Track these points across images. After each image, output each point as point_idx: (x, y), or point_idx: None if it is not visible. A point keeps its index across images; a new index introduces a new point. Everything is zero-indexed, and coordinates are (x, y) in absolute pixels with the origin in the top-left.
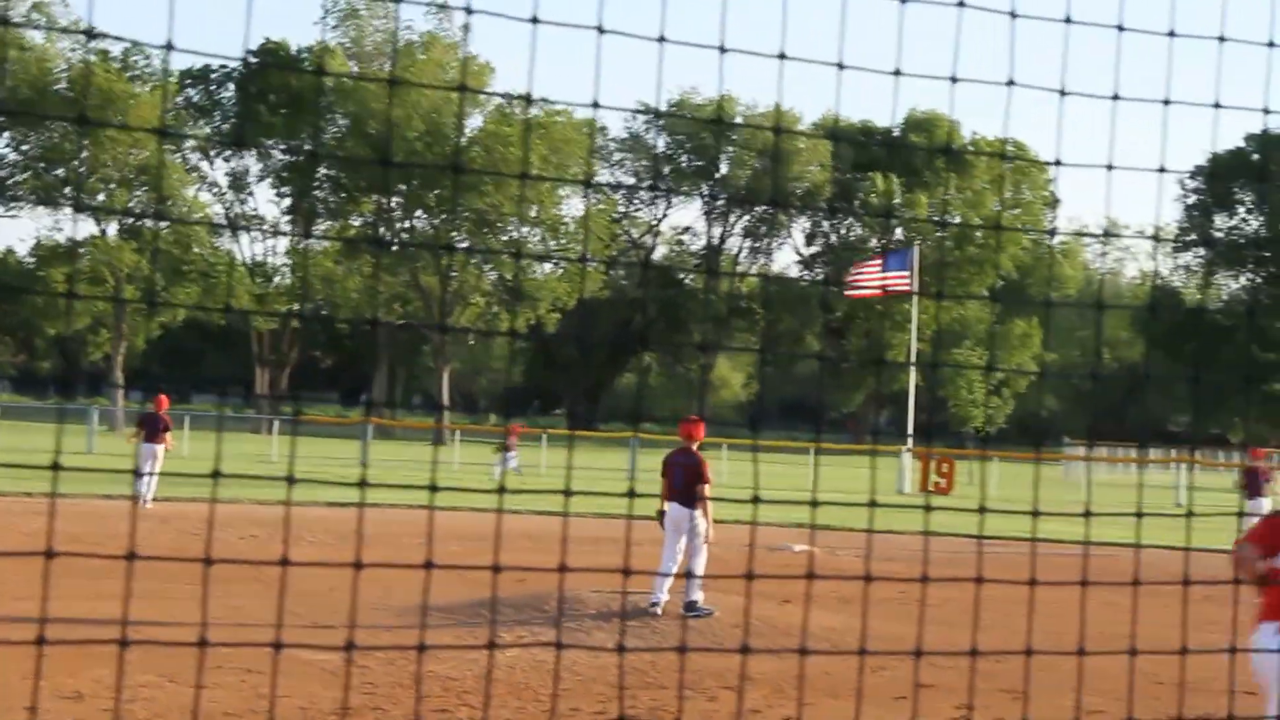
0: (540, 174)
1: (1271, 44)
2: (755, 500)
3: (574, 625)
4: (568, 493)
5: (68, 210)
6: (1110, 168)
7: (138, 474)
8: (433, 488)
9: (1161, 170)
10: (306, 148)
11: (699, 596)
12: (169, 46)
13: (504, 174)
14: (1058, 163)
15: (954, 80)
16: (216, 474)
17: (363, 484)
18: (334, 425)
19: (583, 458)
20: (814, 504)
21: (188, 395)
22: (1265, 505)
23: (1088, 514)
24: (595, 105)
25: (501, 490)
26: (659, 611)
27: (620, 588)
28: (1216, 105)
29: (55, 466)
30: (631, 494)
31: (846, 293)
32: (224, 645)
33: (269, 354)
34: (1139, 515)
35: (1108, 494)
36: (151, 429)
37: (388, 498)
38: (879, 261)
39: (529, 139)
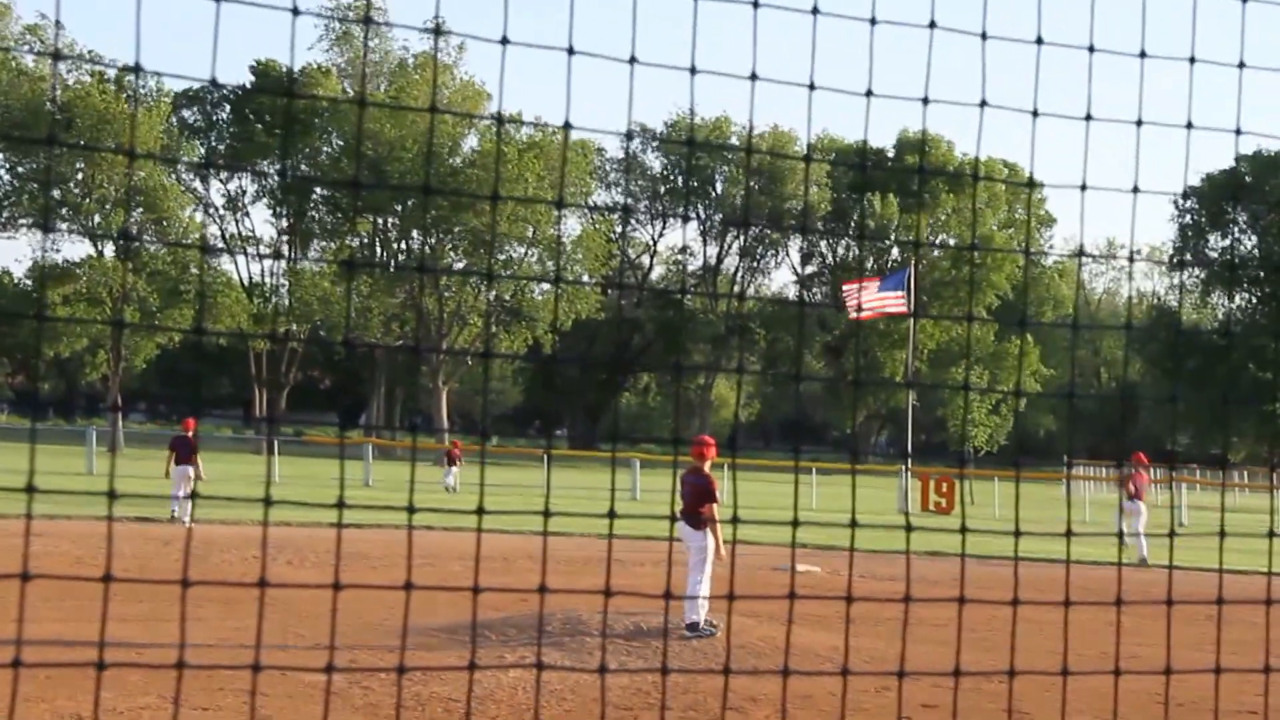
0: (519, 195)
1: (1242, 64)
2: (735, 520)
3: (576, 646)
4: (546, 513)
5: (62, 230)
6: (1084, 188)
7: (174, 497)
8: (410, 509)
9: (1135, 190)
10: (275, 168)
11: (699, 617)
12: (136, 69)
13: (474, 194)
14: (1030, 183)
15: (925, 101)
16: (194, 495)
17: (340, 504)
18: (337, 446)
19: (585, 478)
20: (795, 524)
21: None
22: (1142, 507)
23: (1069, 533)
24: (567, 126)
25: (481, 511)
26: (689, 632)
27: (629, 609)
28: (1189, 125)
29: (30, 489)
30: (612, 514)
31: (845, 310)
32: (201, 667)
33: (267, 375)
34: (1120, 536)
35: (1107, 513)
36: (181, 451)
37: (392, 519)
38: (875, 281)
39: (499, 159)
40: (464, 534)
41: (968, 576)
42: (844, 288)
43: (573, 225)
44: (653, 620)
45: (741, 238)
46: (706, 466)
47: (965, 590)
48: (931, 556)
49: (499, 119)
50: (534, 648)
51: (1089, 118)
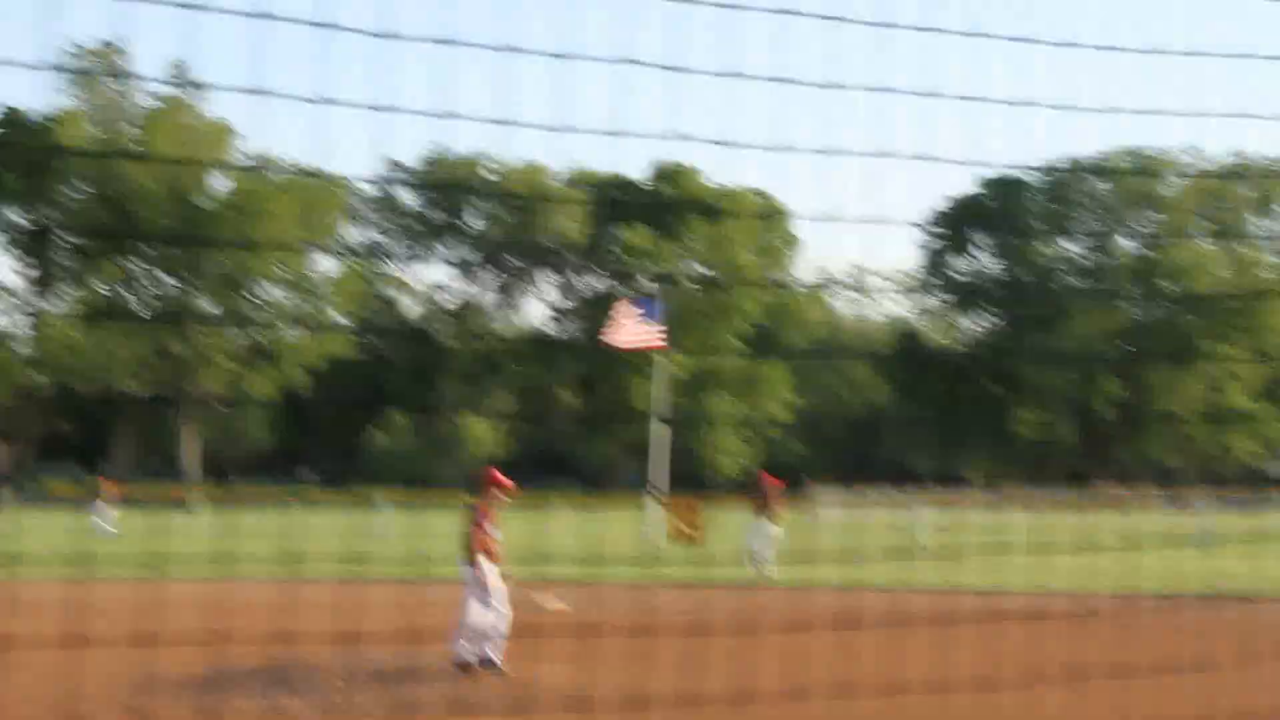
0: (272, 237)
1: (975, 98)
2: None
3: (312, 691)
4: (313, 556)
5: None
6: (831, 219)
7: None
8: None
9: (873, 221)
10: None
11: (466, 654)
12: None
13: (220, 240)
14: (803, 215)
15: (675, 137)
16: None
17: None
18: (73, 498)
19: (337, 521)
20: (542, 560)
21: None
22: (768, 527)
23: (856, 555)
24: (312, 171)
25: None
26: (460, 667)
27: (371, 652)
28: (919, 158)
29: None
30: (358, 557)
31: (612, 341)
32: None
33: (5, 426)
34: (902, 555)
35: (851, 536)
36: None
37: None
38: (640, 309)
39: (255, 199)
40: (205, 585)
41: (710, 604)
42: (611, 312)
43: (325, 264)
44: (399, 663)
45: (501, 273)
46: (487, 497)
47: (714, 619)
48: (680, 587)
49: (250, 167)
50: (269, 698)
51: (827, 151)
